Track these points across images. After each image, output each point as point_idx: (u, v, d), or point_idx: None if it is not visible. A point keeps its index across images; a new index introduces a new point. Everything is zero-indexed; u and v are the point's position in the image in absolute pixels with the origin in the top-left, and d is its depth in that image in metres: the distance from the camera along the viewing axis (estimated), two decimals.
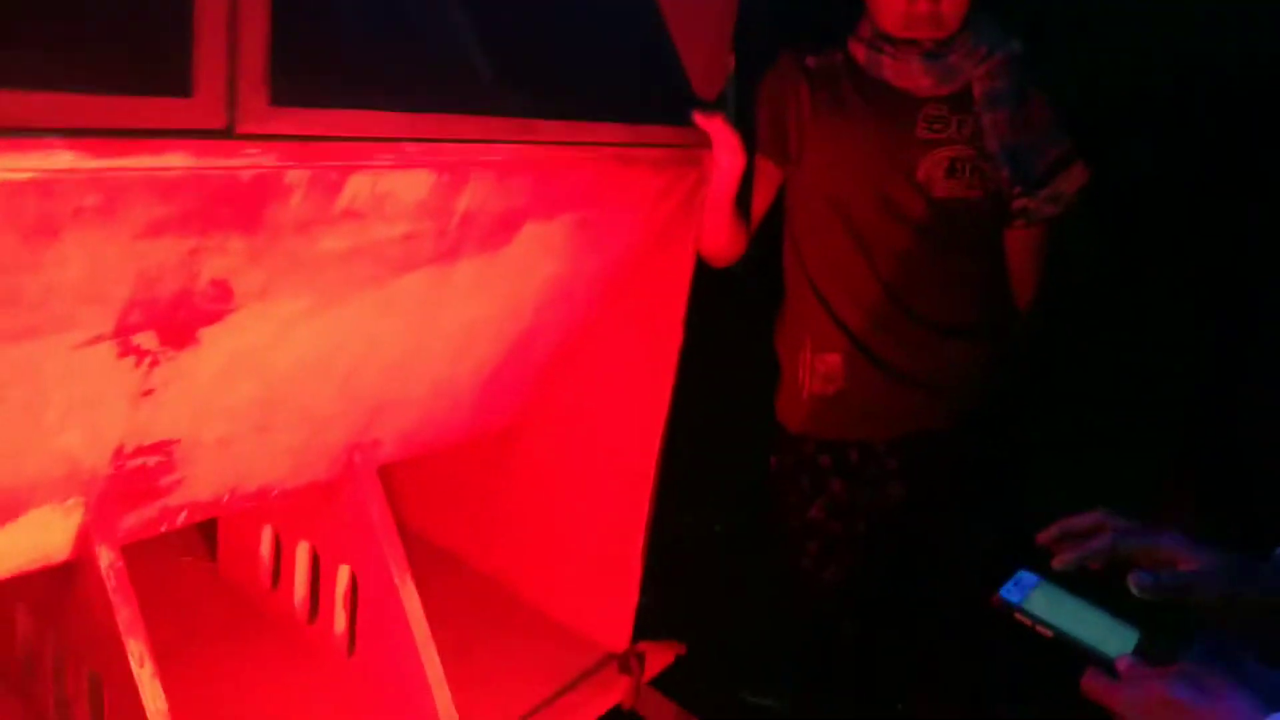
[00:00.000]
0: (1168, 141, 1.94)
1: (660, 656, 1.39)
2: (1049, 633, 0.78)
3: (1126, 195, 1.81)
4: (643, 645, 1.35)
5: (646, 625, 1.38)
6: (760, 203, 1.63)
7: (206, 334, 0.80)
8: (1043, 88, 1.61)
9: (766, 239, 1.83)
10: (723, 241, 1.53)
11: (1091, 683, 0.73)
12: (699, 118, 1.13)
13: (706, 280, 1.48)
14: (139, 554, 1.21)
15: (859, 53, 1.61)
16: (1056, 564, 0.82)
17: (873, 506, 1.70)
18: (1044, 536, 0.84)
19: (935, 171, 1.58)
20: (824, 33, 1.65)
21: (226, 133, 0.67)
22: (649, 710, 1.36)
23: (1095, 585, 0.81)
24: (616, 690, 1.31)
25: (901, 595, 1.74)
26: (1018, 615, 0.79)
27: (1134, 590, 0.76)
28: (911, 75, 1.57)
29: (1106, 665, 0.74)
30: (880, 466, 1.69)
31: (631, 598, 1.33)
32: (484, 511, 1.48)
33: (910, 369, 1.64)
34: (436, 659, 1.13)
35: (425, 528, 1.58)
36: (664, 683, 1.42)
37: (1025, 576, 0.82)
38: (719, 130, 1.15)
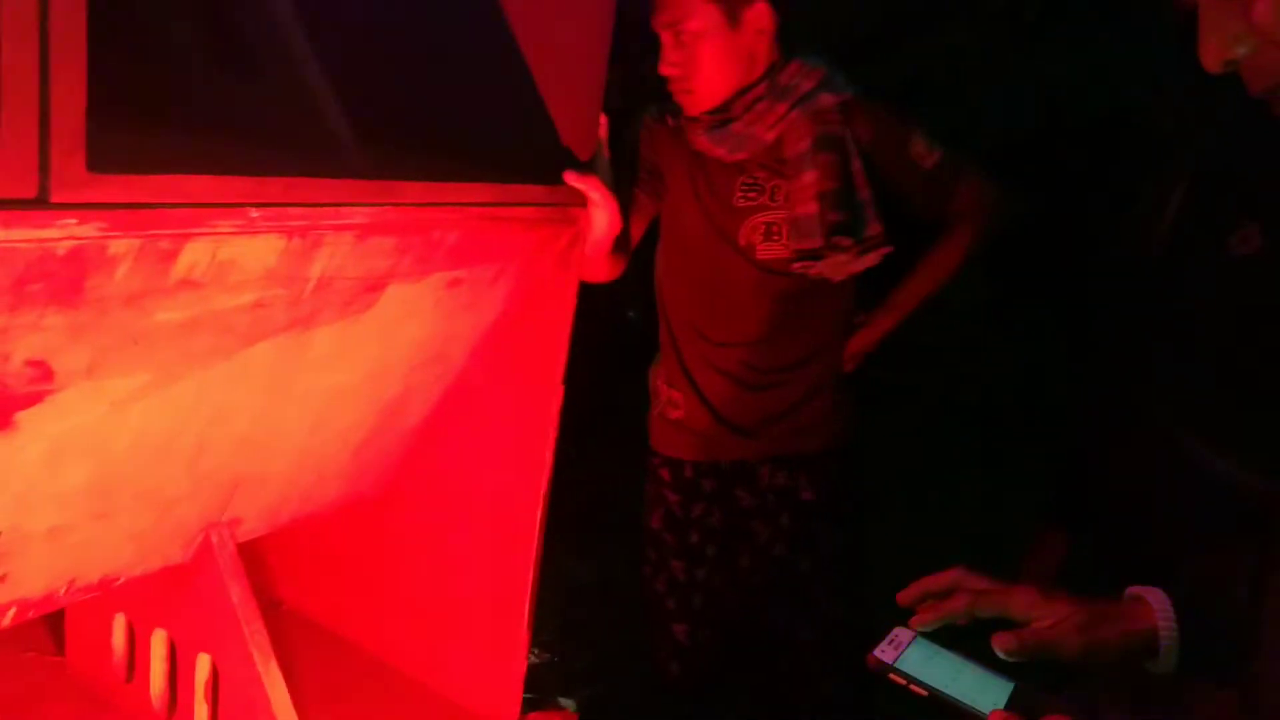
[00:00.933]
0: (1037, 180, 2.03)
1: None
2: (924, 691, 0.77)
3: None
4: (532, 717, 1.30)
5: (543, 690, 1.33)
6: (636, 231, 1.71)
7: (24, 418, 0.73)
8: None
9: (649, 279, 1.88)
10: (601, 277, 1.61)
11: None
12: (571, 177, 1.11)
13: (599, 323, 1.48)
14: None
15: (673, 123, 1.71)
16: (915, 623, 0.82)
17: (701, 525, 1.80)
18: (904, 596, 0.85)
19: (754, 237, 1.67)
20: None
21: (38, 202, 0.61)
22: None
23: (969, 638, 0.82)
24: None
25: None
26: (892, 676, 0.79)
27: (999, 653, 0.77)
28: (710, 146, 1.65)
29: None
30: (701, 489, 1.78)
31: (519, 667, 1.28)
32: (361, 582, 1.40)
33: (738, 416, 1.72)
34: None
35: (298, 601, 1.50)
36: None
37: (900, 633, 0.82)
38: (593, 189, 1.13)
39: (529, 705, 1.30)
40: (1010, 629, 0.79)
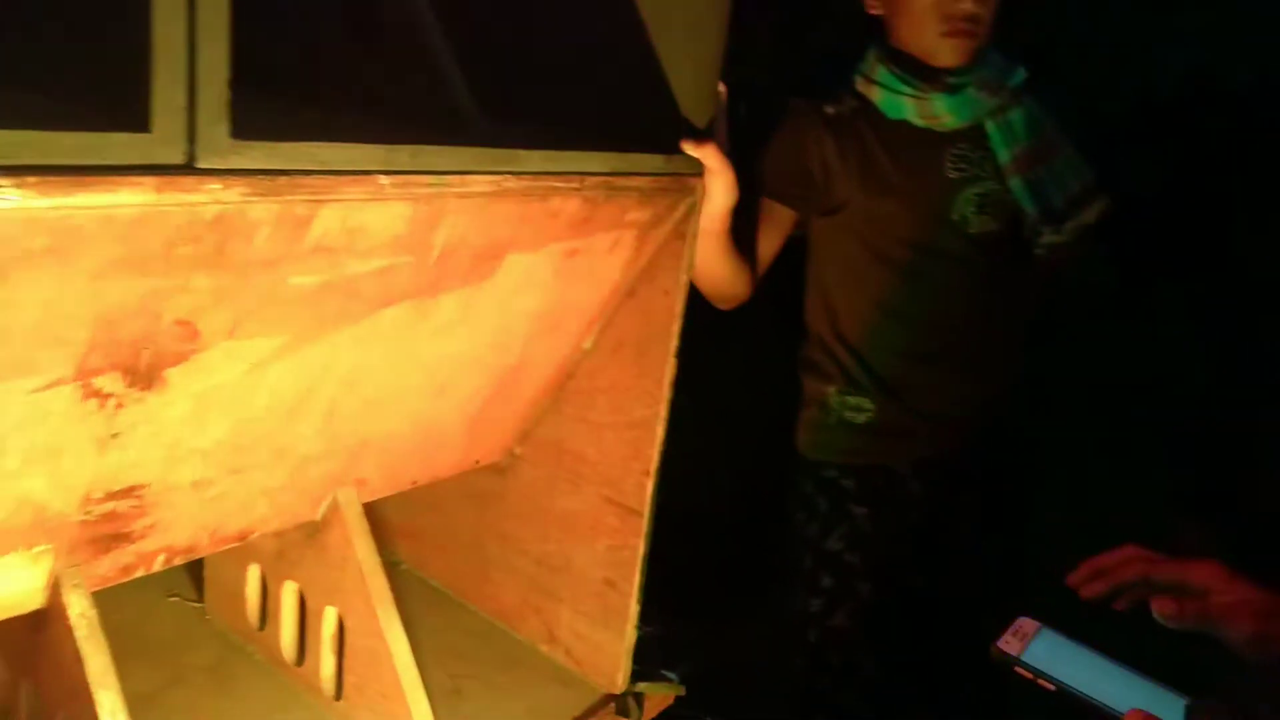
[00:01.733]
0: (1173, 154, 1.91)
1: (660, 698, 1.35)
2: (1051, 686, 0.73)
3: (1135, 212, 1.79)
4: (641, 686, 1.31)
5: (648, 661, 1.34)
6: (769, 246, 1.62)
7: (173, 375, 0.78)
8: (1048, 109, 1.61)
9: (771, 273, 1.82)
10: (722, 277, 1.52)
11: None
12: (689, 145, 1.10)
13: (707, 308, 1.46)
14: (124, 593, 1.18)
15: (874, 95, 1.60)
16: (1085, 592, 0.77)
17: (894, 534, 1.69)
18: (1074, 579, 0.80)
19: (968, 210, 1.59)
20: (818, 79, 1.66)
21: (187, 168, 0.65)
22: None
23: (1104, 631, 0.78)
24: None
25: (916, 637, 1.70)
26: (1018, 669, 0.75)
27: (1156, 616, 0.72)
28: (932, 112, 1.56)
29: None
30: (904, 490, 1.67)
31: (628, 637, 1.29)
32: (477, 547, 1.44)
33: (939, 408, 1.64)
34: (425, 703, 1.10)
35: (418, 564, 1.55)
36: None
37: (1025, 623, 0.78)
38: (711, 157, 1.12)
39: (635, 676, 1.31)
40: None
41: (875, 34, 1.62)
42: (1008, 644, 0.76)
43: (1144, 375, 1.91)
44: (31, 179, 0.57)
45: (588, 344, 1.24)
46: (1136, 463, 1.76)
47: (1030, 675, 0.74)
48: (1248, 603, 0.73)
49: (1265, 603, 0.73)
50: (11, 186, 0.56)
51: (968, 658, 1.59)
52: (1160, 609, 0.73)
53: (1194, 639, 0.73)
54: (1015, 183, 1.54)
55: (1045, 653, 0.75)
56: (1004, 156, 1.55)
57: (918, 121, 1.57)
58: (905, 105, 1.57)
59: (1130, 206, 1.68)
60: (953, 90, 1.54)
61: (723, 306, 1.59)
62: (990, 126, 1.55)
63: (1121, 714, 0.69)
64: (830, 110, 1.61)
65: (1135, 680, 0.73)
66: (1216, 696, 0.68)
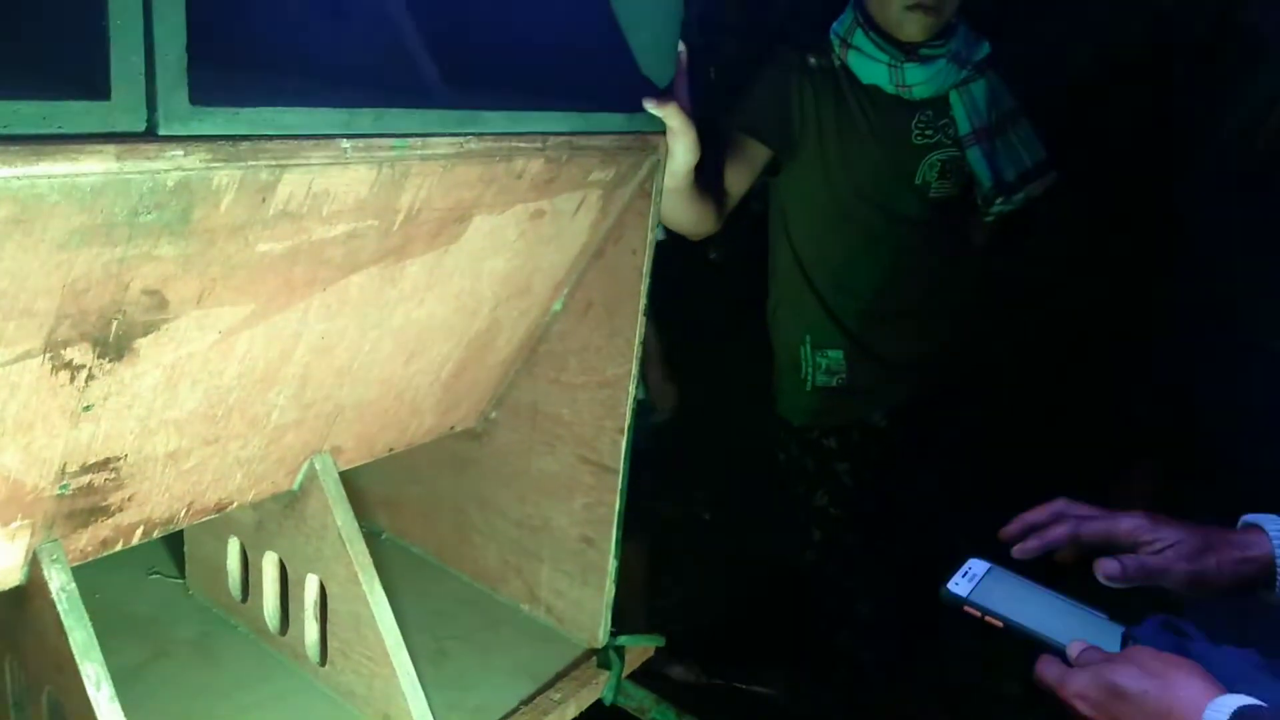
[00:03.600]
0: (1141, 104, 1.93)
1: (640, 650, 1.38)
2: (999, 623, 0.76)
3: (1097, 169, 1.82)
4: (621, 639, 1.34)
5: (629, 616, 1.37)
6: (738, 183, 1.65)
7: (143, 345, 0.78)
8: (1011, 63, 1.66)
9: (744, 229, 1.84)
10: (688, 221, 1.56)
11: (1044, 671, 0.72)
12: (650, 104, 1.11)
13: (684, 270, 1.47)
14: (106, 571, 1.18)
15: (849, 58, 1.65)
16: (1017, 552, 0.81)
17: (874, 486, 1.76)
18: (1006, 532, 0.83)
19: (930, 174, 1.66)
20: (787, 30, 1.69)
21: (148, 135, 0.65)
22: (630, 703, 1.35)
23: (1049, 569, 0.80)
24: (596, 686, 1.29)
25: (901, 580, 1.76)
26: (966, 608, 0.78)
27: (1101, 579, 0.75)
28: (904, 80, 1.62)
29: (1059, 652, 0.73)
30: (880, 441, 1.74)
31: (607, 594, 1.32)
32: (457, 513, 1.46)
33: (905, 356, 1.71)
34: (409, 665, 1.11)
35: (400, 532, 1.57)
36: (648, 674, 1.41)
37: (975, 564, 0.81)
38: (673, 116, 1.13)
39: (616, 635, 1.34)
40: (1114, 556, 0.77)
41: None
42: (957, 585, 0.79)
43: (1087, 310, 1.95)
44: None
45: (557, 306, 1.25)
46: (1076, 401, 1.82)
47: (979, 614, 0.77)
48: (1176, 548, 0.76)
49: (1192, 544, 0.77)
50: None
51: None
52: (1104, 572, 0.76)
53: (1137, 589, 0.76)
54: (972, 153, 1.62)
55: (993, 591, 0.78)
56: (964, 127, 1.61)
57: (888, 88, 1.62)
58: (879, 71, 1.61)
59: (1095, 165, 1.73)
60: (926, 61, 1.59)
61: (690, 237, 1.62)
62: (954, 97, 1.61)
63: (1064, 646, 0.72)
64: (813, 61, 1.65)
65: (1078, 612, 0.76)
66: (1153, 623, 0.72)
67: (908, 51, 1.60)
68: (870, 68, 1.63)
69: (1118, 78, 1.96)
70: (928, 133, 1.65)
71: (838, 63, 1.66)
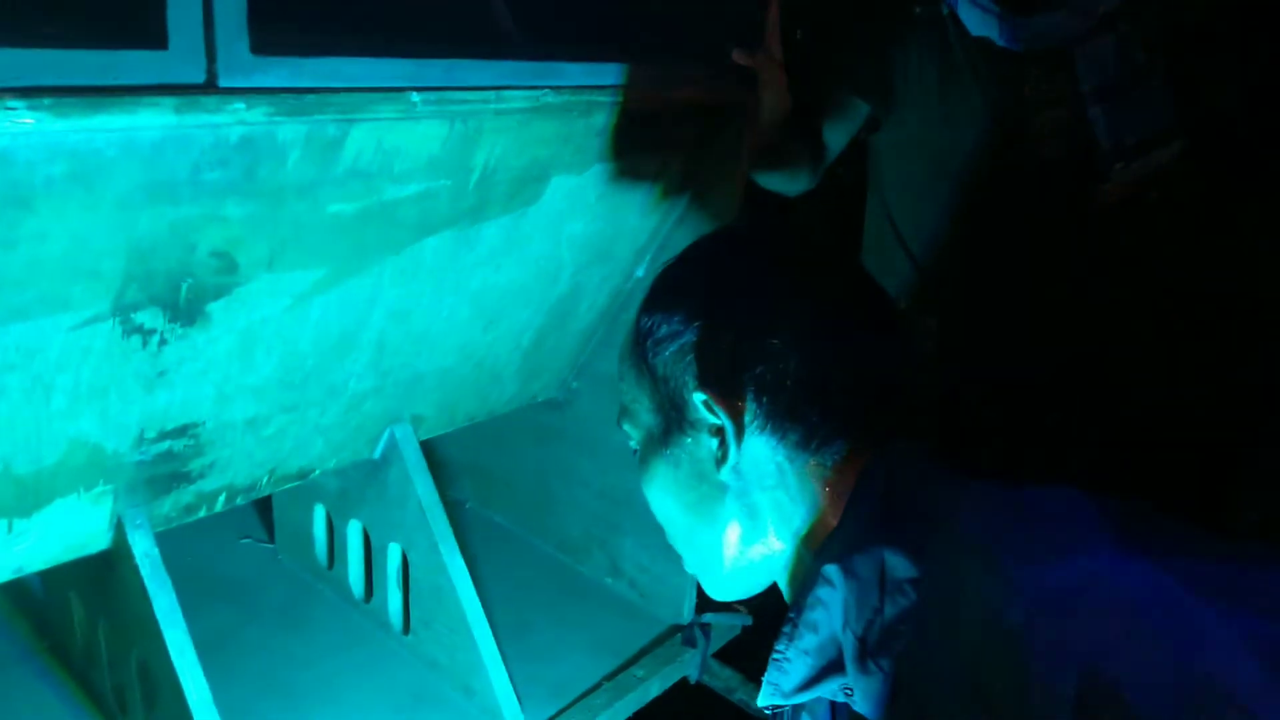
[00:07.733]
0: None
1: (727, 628, 1.34)
2: None
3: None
4: (707, 617, 1.30)
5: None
6: (837, 136, 1.57)
7: (215, 309, 0.76)
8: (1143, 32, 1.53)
9: (835, 191, 1.75)
10: (781, 175, 1.48)
11: None
12: (740, 55, 1.04)
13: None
14: (198, 535, 1.20)
15: (959, 7, 1.55)
16: None
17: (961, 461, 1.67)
18: None
19: (1043, 131, 1.55)
20: None
21: (208, 87, 0.62)
22: (716, 683, 1.31)
23: None
24: (681, 664, 1.25)
25: None
26: None
27: None
28: (1018, 34, 1.51)
29: None
30: (971, 418, 1.65)
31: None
32: (540, 483, 1.43)
33: (1003, 327, 1.60)
34: (491, 637, 1.09)
35: (483, 501, 1.55)
36: (733, 653, 1.36)
37: None
38: (764, 66, 1.06)
39: (702, 609, 1.30)
40: None
41: None
42: None
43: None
44: (47, 100, 0.55)
45: (640, 272, 1.20)
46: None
47: None
48: None
49: None
50: (26, 109, 0.54)
51: None
52: None
53: None
54: (1094, 112, 1.50)
55: None
56: (1085, 85, 1.49)
57: (1000, 41, 1.51)
58: (990, 22, 1.50)
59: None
60: (1045, 12, 1.48)
61: (783, 195, 1.56)
62: (1077, 53, 1.49)
63: None
64: (918, 10, 1.56)
65: None
66: None
67: (1024, 2, 1.48)
68: (982, 18, 1.52)
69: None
70: (1041, 87, 1.53)
71: (946, 11, 1.55)
